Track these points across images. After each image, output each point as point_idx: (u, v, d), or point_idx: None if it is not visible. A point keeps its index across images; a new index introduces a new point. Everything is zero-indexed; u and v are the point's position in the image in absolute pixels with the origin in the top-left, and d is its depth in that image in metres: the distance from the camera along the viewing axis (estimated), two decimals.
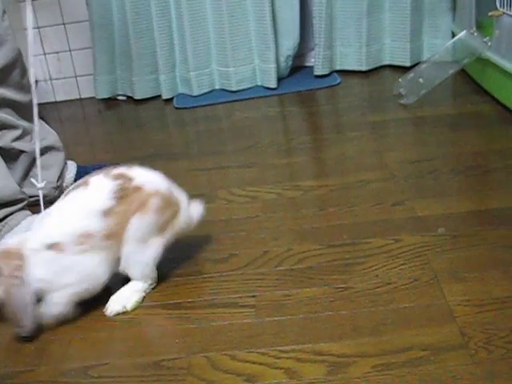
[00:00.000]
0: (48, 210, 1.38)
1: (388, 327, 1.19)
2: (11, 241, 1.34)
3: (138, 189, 1.34)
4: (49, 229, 1.32)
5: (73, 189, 1.37)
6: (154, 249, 1.37)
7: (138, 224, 1.33)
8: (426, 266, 1.35)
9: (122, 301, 1.37)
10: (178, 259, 1.53)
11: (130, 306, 1.37)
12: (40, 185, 1.61)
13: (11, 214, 1.68)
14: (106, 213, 1.30)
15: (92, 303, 1.41)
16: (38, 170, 1.62)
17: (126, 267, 1.36)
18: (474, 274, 1.31)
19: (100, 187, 1.34)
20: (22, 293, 1.26)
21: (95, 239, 1.30)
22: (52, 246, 1.29)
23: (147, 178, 1.39)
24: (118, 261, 1.35)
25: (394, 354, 1.13)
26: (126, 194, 1.33)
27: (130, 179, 1.35)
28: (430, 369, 1.08)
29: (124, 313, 1.36)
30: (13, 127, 1.81)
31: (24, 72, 1.83)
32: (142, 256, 1.36)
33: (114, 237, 1.32)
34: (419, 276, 1.32)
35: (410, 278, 1.33)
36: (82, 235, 1.29)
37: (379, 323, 1.21)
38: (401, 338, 1.16)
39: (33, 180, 1.63)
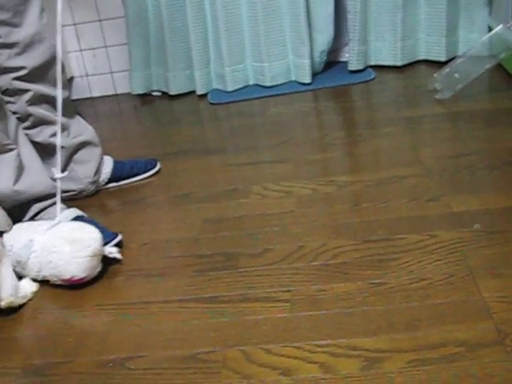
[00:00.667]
0: None
1: (423, 323, 1.19)
2: None
3: None
4: None
5: None
6: None
7: None
8: (461, 262, 1.35)
9: None
10: (212, 254, 1.55)
11: None
12: (58, 175, 1.63)
13: (45, 208, 1.70)
14: None
15: (128, 297, 1.43)
16: (57, 159, 1.64)
17: None
18: (510, 271, 1.30)
19: None
20: None
21: None
22: None
23: None
24: None
25: (429, 350, 1.12)
26: None
27: None
28: (465, 365, 1.08)
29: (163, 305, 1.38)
30: (51, 123, 1.84)
31: (62, 68, 1.86)
32: None
33: None
34: (455, 272, 1.32)
35: (446, 273, 1.32)
36: None
37: (414, 319, 1.20)
38: (436, 333, 1.16)
39: (53, 169, 1.65)
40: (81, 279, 1.50)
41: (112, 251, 1.57)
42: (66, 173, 1.67)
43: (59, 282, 1.52)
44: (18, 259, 1.53)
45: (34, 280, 1.55)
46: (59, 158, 1.65)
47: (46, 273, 1.52)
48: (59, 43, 1.64)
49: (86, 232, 1.53)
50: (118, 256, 1.58)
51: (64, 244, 1.50)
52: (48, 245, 1.51)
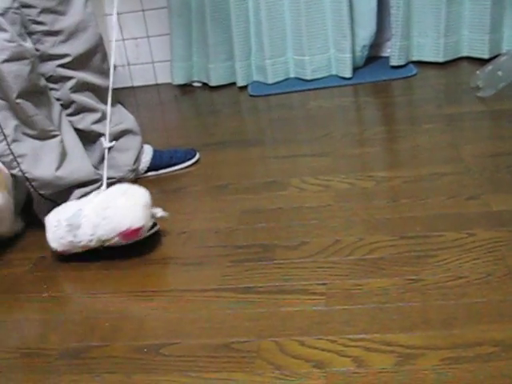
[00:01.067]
0: None
1: (459, 321, 1.18)
2: None
3: None
4: None
5: None
6: None
7: None
8: (499, 262, 1.33)
9: None
10: (249, 245, 1.55)
11: None
12: (107, 144, 1.65)
13: (87, 194, 1.72)
14: None
15: (165, 284, 1.45)
16: (106, 127, 1.68)
17: None
18: None
19: None
20: None
21: None
22: None
23: None
24: None
25: (464, 349, 1.12)
26: None
27: None
28: (501, 365, 1.07)
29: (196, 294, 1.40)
30: (93, 110, 1.87)
31: (104, 57, 1.88)
32: None
33: None
34: (492, 271, 1.31)
35: (483, 272, 1.31)
36: None
37: (450, 317, 1.20)
38: (472, 332, 1.15)
39: (102, 139, 1.68)
40: (138, 229, 1.53)
41: (157, 211, 1.61)
42: (113, 142, 1.70)
43: (115, 240, 1.55)
44: (69, 226, 1.56)
45: (88, 249, 1.59)
46: (108, 126, 1.68)
47: (101, 232, 1.54)
48: (114, 35, 1.68)
49: (135, 188, 1.58)
50: (164, 214, 1.61)
51: (117, 197, 1.54)
52: (100, 205, 1.55)
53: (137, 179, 2.02)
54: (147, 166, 2.03)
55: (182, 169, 2.06)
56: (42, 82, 1.67)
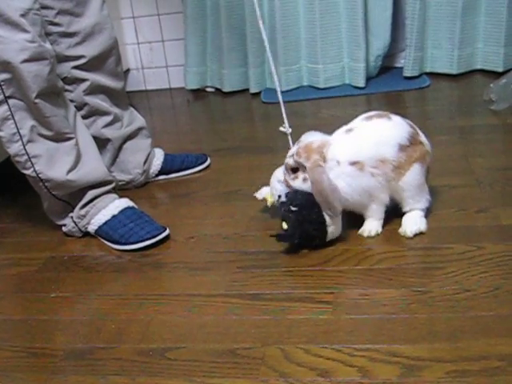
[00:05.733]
0: (350, 127, 1.59)
1: (465, 334, 1.18)
2: (315, 138, 1.62)
3: (421, 143, 1.54)
4: (352, 147, 1.52)
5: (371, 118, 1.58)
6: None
7: (416, 171, 1.52)
8: (508, 276, 1.33)
9: (415, 223, 1.54)
10: (258, 252, 1.55)
11: (423, 227, 1.54)
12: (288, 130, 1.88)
13: (100, 195, 1.73)
14: (401, 148, 1.49)
15: (172, 288, 1.45)
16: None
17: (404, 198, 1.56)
18: None
19: (400, 125, 1.53)
20: (328, 179, 1.47)
21: (387, 167, 1.49)
22: (354, 164, 1.49)
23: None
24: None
25: (470, 362, 1.11)
26: (415, 142, 1.52)
27: (417, 133, 1.55)
28: (507, 380, 1.06)
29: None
30: (104, 113, 1.88)
31: (119, 60, 1.89)
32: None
33: (398, 170, 1.50)
34: (500, 285, 1.30)
35: (491, 286, 1.30)
36: (379, 160, 1.49)
37: (456, 329, 1.19)
38: (478, 346, 1.15)
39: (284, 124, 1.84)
40: None
41: None
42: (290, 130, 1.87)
43: None
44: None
45: None
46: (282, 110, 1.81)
47: None
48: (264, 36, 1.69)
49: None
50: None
51: None
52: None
53: (147, 183, 2.02)
54: (158, 169, 2.03)
55: (192, 174, 2.06)
56: (60, 83, 1.68)
